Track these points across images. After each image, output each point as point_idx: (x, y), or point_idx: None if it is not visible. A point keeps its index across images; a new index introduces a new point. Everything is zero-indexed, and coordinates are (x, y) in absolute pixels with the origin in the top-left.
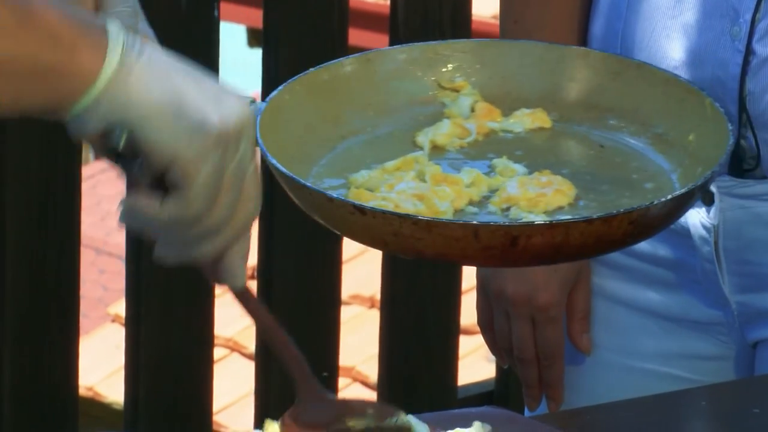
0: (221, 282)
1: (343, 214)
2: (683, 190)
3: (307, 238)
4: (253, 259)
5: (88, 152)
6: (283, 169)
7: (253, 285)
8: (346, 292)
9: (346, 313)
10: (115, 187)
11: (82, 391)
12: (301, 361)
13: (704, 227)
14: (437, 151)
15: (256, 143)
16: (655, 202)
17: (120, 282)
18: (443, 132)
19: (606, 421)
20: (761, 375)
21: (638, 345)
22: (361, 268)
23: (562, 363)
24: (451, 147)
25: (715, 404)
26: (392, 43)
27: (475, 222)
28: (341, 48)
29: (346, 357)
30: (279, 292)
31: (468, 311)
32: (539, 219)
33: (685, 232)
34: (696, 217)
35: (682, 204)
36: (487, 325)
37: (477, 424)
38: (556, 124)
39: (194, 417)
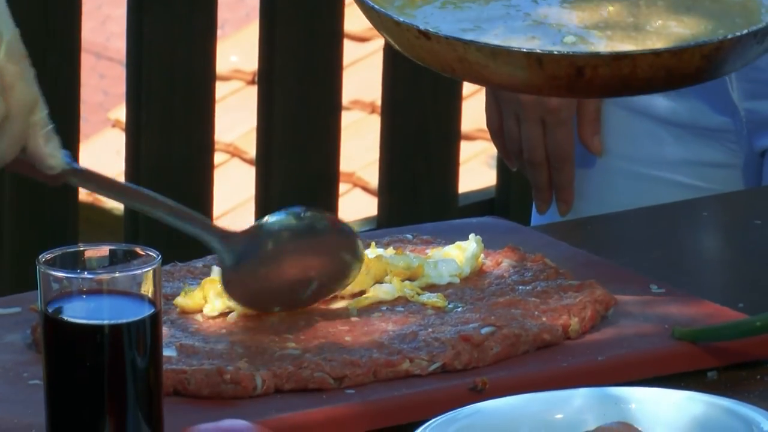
0: (45, 171)
1: (409, 39)
2: (757, 27)
3: (308, 43)
4: (253, 65)
5: None
6: None
7: (253, 91)
8: (346, 97)
9: (347, 119)
10: None
11: (83, 196)
12: (203, 219)
13: None
14: None
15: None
16: (729, 37)
17: (120, 87)
18: None
19: (607, 231)
20: (765, 186)
21: (647, 151)
22: (362, 74)
23: (572, 166)
24: None
25: (717, 215)
26: None
27: (539, 50)
28: None
29: (346, 163)
30: (280, 97)
31: (469, 116)
32: (605, 50)
33: None
34: None
35: (759, 40)
36: (496, 129)
37: (472, 237)
38: None
39: None
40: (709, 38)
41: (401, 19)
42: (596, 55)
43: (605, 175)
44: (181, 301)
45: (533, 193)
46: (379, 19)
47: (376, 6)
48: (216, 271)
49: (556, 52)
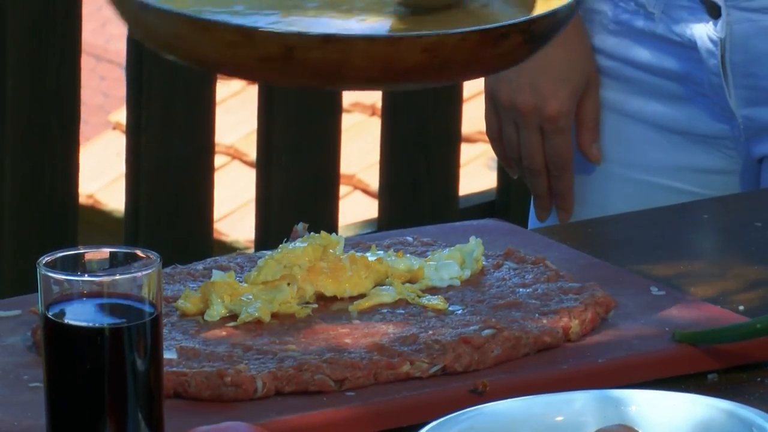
0: None
1: (131, 11)
2: (489, 26)
3: None
4: None
5: None
6: None
7: (254, 92)
8: (347, 99)
9: (347, 121)
10: None
11: (83, 199)
12: None
13: (711, 40)
14: None
15: None
16: (452, 32)
17: (121, 89)
18: None
19: (607, 233)
20: (765, 189)
21: (645, 158)
22: None
23: (572, 173)
24: None
25: (717, 217)
26: None
27: (250, 26)
28: None
29: (346, 165)
30: (280, 99)
31: (469, 119)
32: (320, 30)
33: (692, 45)
34: (703, 30)
35: (492, 41)
36: (495, 135)
37: (472, 239)
38: None
39: (195, 225)
40: (429, 30)
41: None
42: (307, 35)
43: (603, 182)
44: (181, 304)
45: (533, 201)
46: None
47: None
48: (216, 275)
49: (266, 29)
